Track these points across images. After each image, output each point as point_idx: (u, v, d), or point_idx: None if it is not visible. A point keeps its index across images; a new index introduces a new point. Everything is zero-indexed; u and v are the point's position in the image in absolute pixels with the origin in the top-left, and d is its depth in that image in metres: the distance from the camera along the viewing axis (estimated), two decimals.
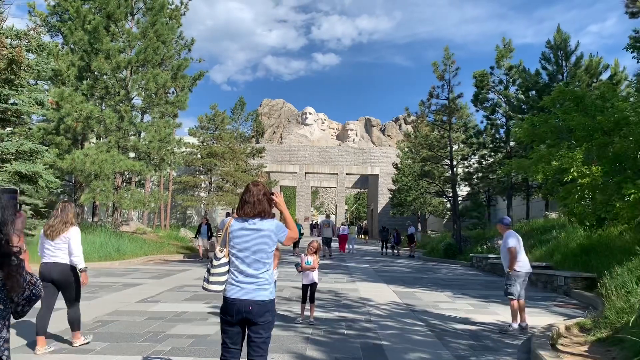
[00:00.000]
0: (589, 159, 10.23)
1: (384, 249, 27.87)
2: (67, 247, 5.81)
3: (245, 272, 3.57)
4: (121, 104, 21.68)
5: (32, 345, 5.86)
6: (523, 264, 7.95)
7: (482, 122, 25.34)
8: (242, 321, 3.55)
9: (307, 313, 7.93)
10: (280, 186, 59.34)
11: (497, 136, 24.31)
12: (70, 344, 5.98)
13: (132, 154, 23.29)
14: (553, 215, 28.74)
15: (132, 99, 22.48)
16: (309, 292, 7.89)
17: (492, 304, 10.64)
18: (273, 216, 3.75)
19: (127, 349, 5.96)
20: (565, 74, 19.78)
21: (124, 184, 32.06)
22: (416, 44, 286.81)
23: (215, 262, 3.65)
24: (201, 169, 41.88)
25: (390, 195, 44.17)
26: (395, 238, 27.98)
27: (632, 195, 9.19)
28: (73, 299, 5.90)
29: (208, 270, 3.68)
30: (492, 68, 24.59)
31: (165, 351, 5.89)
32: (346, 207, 72.00)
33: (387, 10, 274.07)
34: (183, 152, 41.09)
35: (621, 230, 13.42)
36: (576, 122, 10.91)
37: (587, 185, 9.88)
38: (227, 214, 29.10)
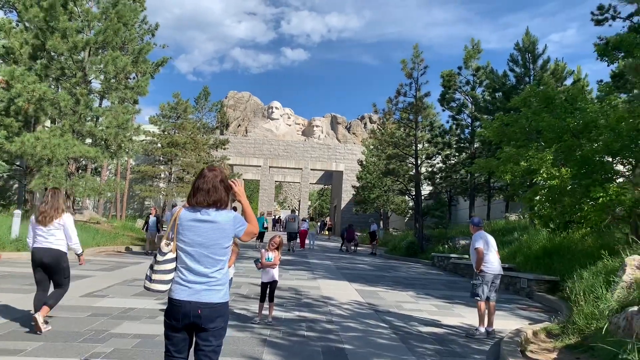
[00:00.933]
0: (557, 161, 10.07)
1: (343, 246, 27.40)
2: (59, 232, 6.01)
3: (195, 270, 3.08)
4: (78, 87, 20.58)
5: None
6: (491, 265, 7.65)
7: (447, 122, 25.33)
8: (189, 326, 3.06)
9: (265, 312, 7.45)
10: (243, 179, 58.47)
11: (462, 136, 24.31)
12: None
13: (89, 140, 22.25)
14: (513, 217, 29.06)
15: (90, 82, 21.40)
16: (268, 290, 7.41)
17: (457, 305, 10.40)
18: (234, 209, 3.23)
19: (63, 350, 5.35)
20: (532, 77, 19.83)
21: (79, 171, 30.76)
22: (384, 44, 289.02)
23: (159, 258, 3.13)
24: (161, 158, 40.67)
25: (354, 192, 44.02)
26: (347, 234, 27.16)
27: (601, 199, 9.06)
28: (61, 283, 6.14)
29: (151, 267, 3.17)
30: (459, 68, 24.58)
31: (106, 353, 5.30)
32: (309, 202, 71.63)
33: (357, 8, 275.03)
34: (143, 140, 39.84)
35: (583, 234, 13.45)
36: (546, 123, 10.77)
37: (556, 188, 9.71)
38: (173, 205, 27.98)
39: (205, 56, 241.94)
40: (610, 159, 10.18)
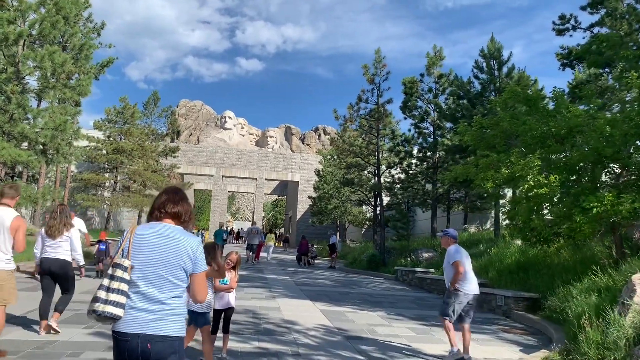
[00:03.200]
0: (544, 167, 9.16)
1: (302, 262, 25.87)
2: (66, 244, 6.59)
3: (148, 294, 2.66)
4: (9, 84, 18.54)
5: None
6: (469, 285, 6.84)
7: (409, 130, 24.54)
8: None
9: (218, 344, 6.07)
10: (194, 189, 56.24)
11: (425, 145, 23.54)
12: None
13: (26, 144, 20.17)
14: (472, 229, 28.57)
15: (23, 78, 19.34)
16: (222, 319, 6.03)
17: (435, 328, 9.28)
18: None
19: None
20: (497, 84, 19.23)
21: (13, 178, 28.21)
22: (338, 57, 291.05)
23: (118, 273, 2.64)
24: (106, 166, 38.28)
25: (311, 203, 42.82)
26: (301, 247, 25.76)
27: (595, 209, 8.15)
28: (68, 289, 6.74)
29: (105, 288, 2.63)
30: (422, 75, 23.89)
31: None
32: (263, 213, 69.89)
33: (311, 20, 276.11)
34: (87, 146, 37.37)
35: (558, 247, 12.68)
36: (528, 127, 9.87)
37: (544, 197, 8.77)
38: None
39: (157, 64, 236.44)
40: (599, 166, 9.34)
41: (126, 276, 2.64)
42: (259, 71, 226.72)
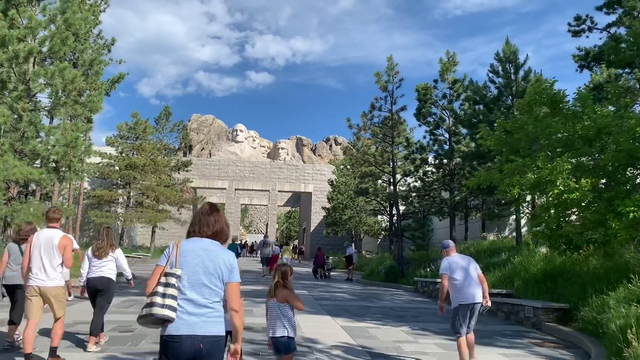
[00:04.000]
0: (577, 170, 8.68)
1: (318, 274, 25.34)
2: (111, 264, 7.22)
3: (195, 300, 3.03)
4: (20, 101, 18.44)
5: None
6: (460, 294, 6.69)
7: (424, 137, 24.08)
8: None
9: None
10: (207, 203, 56.06)
11: (441, 152, 23.06)
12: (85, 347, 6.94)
13: (38, 162, 20.04)
14: (491, 236, 27.91)
15: (34, 96, 19.24)
16: None
17: None
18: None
19: None
20: (514, 88, 18.76)
21: (27, 196, 28.16)
22: (347, 68, 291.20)
23: (171, 281, 3.00)
24: (119, 182, 38.20)
25: (325, 214, 42.38)
26: (317, 259, 25.23)
27: (632, 214, 7.65)
28: (103, 305, 7.16)
29: (162, 295, 2.97)
30: (435, 82, 23.45)
31: None
32: (277, 225, 69.58)
33: (320, 33, 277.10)
34: (99, 163, 37.37)
35: (587, 255, 12.11)
36: (554, 129, 9.40)
37: (575, 202, 8.29)
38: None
39: (168, 80, 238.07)
40: (631, 169, 8.85)
41: (177, 283, 2.99)
42: (269, 84, 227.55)
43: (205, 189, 52.20)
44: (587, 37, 23.64)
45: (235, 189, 51.96)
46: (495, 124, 16.22)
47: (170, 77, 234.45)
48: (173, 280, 2.99)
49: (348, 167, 38.11)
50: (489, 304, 6.91)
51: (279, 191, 52.82)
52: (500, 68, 19.51)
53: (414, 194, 26.27)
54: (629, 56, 15.99)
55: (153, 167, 37.38)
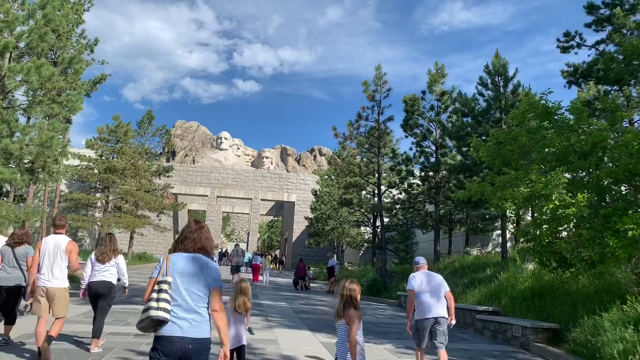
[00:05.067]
0: (573, 185, 8.30)
1: (298, 286, 24.71)
2: (113, 269, 7.37)
3: (185, 306, 3.42)
4: None
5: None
6: (421, 311, 6.91)
7: (411, 149, 23.74)
8: None
9: None
10: (188, 210, 55.15)
11: (427, 164, 22.72)
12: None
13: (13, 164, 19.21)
14: (474, 251, 27.61)
15: (9, 92, 18.47)
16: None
17: None
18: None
19: None
20: (503, 101, 18.52)
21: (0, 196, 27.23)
22: (334, 79, 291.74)
23: (164, 287, 3.40)
24: (98, 185, 37.26)
25: (307, 224, 41.80)
26: (298, 270, 24.65)
27: (631, 232, 7.28)
28: (104, 308, 7.34)
29: (156, 299, 3.36)
30: (423, 93, 23.18)
31: None
32: (259, 235, 68.66)
33: (309, 44, 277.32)
34: (78, 165, 36.39)
35: (575, 273, 11.74)
36: (549, 142, 9.05)
37: (571, 218, 7.90)
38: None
39: (154, 85, 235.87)
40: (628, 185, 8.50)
41: (169, 290, 3.38)
42: (256, 92, 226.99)
43: (187, 195, 51.30)
44: (576, 53, 23.55)
45: (217, 196, 51.17)
46: (483, 137, 15.94)
47: (156, 82, 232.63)
48: (165, 287, 3.38)
49: (332, 177, 37.69)
50: (454, 322, 7.19)
51: (261, 200, 52.16)
52: (489, 81, 19.28)
53: (398, 206, 25.88)
54: (617, 73, 15.86)
55: (133, 171, 36.54)
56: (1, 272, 7.25)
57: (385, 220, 30.77)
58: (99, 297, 7.28)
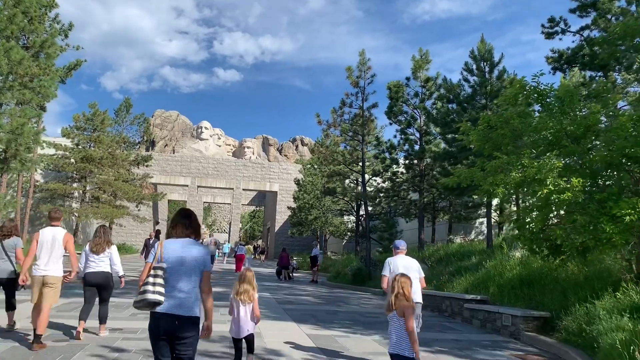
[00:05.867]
0: (568, 169, 8.02)
1: (282, 276, 24.34)
2: (107, 259, 7.74)
3: (177, 287, 3.77)
4: None
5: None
6: None
7: (395, 136, 23.43)
8: (169, 335, 3.74)
9: None
10: (168, 200, 54.30)
11: (411, 152, 22.43)
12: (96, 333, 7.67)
13: None
14: (458, 239, 27.54)
15: None
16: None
17: (442, 355, 8.01)
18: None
19: None
20: (489, 87, 18.25)
21: None
22: (316, 69, 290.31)
23: (159, 272, 3.74)
24: (74, 175, 36.29)
25: (290, 214, 41.41)
26: (281, 260, 24.26)
27: (628, 217, 7.02)
28: (107, 298, 7.81)
29: (152, 283, 3.70)
30: (407, 79, 22.81)
31: None
32: (240, 225, 68.07)
33: (290, 32, 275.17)
34: (54, 155, 35.39)
35: (563, 260, 11.53)
36: (541, 125, 8.75)
37: (566, 202, 7.62)
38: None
39: (133, 74, 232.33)
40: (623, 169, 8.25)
41: (164, 274, 3.74)
42: (237, 82, 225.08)
43: (167, 185, 50.46)
44: (561, 39, 23.47)
45: (198, 186, 50.43)
46: (470, 123, 15.63)
47: (135, 71, 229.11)
48: (160, 272, 3.73)
49: (315, 166, 37.28)
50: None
51: (243, 190, 51.57)
52: (474, 66, 19.00)
53: (382, 195, 25.60)
54: (609, 55, 15.67)
55: (111, 160, 35.69)
56: None
57: (369, 209, 30.53)
58: (98, 287, 7.63)
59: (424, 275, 7.42)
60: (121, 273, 7.95)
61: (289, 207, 42.26)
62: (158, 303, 3.65)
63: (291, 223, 40.90)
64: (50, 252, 6.91)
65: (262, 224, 69.73)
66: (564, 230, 7.95)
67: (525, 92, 9.36)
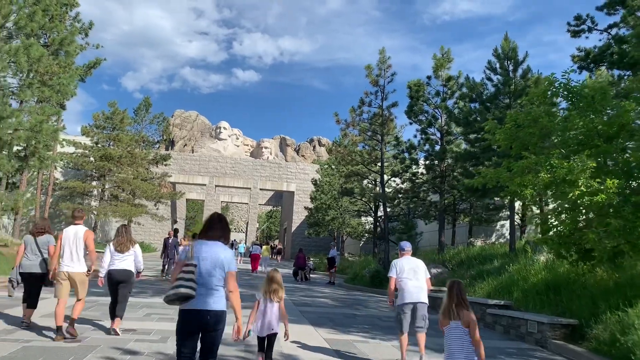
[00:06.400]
0: (602, 170, 7.59)
1: (298, 276, 24.10)
2: (130, 258, 8.04)
3: (206, 284, 4.16)
4: None
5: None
6: (401, 295, 7.25)
7: (415, 136, 23.00)
8: (200, 328, 4.14)
9: None
10: (187, 199, 54.49)
11: (432, 152, 21.99)
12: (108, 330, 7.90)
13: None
14: (478, 242, 26.97)
15: None
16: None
17: None
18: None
19: None
20: (513, 87, 17.77)
21: None
22: (334, 69, 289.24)
23: (190, 269, 4.09)
24: (93, 173, 36.50)
25: (307, 214, 41.15)
26: (298, 260, 24.08)
27: None
28: (126, 295, 8.03)
29: (184, 279, 4.02)
30: (429, 78, 22.39)
31: None
32: (257, 225, 68.09)
33: (309, 33, 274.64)
34: (73, 153, 35.64)
35: (593, 265, 11.05)
36: (571, 124, 8.32)
37: (599, 205, 7.21)
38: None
39: (154, 74, 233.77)
40: None
41: (195, 271, 4.11)
42: (255, 82, 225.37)
43: (185, 184, 50.61)
44: (587, 37, 22.83)
45: (216, 186, 50.48)
46: (496, 121, 15.17)
47: (155, 71, 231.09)
48: (191, 269, 4.07)
49: (333, 166, 36.97)
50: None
51: (260, 189, 51.48)
52: (498, 65, 18.52)
53: (400, 196, 25.19)
54: (632, 57, 15.13)
55: (130, 159, 35.81)
56: (25, 260, 7.97)
57: (387, 210, 30.12)
58: (119, 284, 7.89)
59: (429, 277, 7.49)
60: (142, 268, 8.43)
61: (306, 208, 42.02)
62: (189, 297, 3.98)
63: (308, 223, 40.64)
64: (73, 249, 7.30)
65: (279, 224, 69.63)
66: (596, 234, 7.53)
67: (553, 89, 8.94)
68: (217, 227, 4.38)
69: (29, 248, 8.03)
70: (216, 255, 4.20)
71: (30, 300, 7.97)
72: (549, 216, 8.95)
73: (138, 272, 8.40)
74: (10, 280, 8.08)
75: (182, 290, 3.96)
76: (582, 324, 9.49)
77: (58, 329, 7.04)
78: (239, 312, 4.27)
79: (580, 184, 7.38)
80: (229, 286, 4.24)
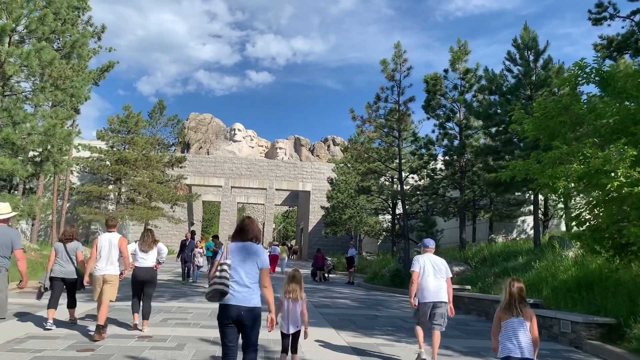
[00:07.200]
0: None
1: (317, 277, 23.74)
2: (153, 256, 8.69)
3: (240, 282, 4.50)
4: None
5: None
6: (421, 293, 7.18)
7: (433, 131, 22.51)
8: (236, 323, 4.46)
9: None
10: (203, 201, 54.44)
11: (451, 147, 21.46)
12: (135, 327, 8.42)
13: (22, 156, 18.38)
14: (499, 238, 26.34)
15: (9, 78, 17.58)
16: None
17: None
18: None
19: None
20: (534, 77, 17.18)
21: (10, 190, 26.58)
22: (347, 69, 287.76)
23: (225, 267, 4.49)
24: (109, 177, 36.52)
25: (324, 213, 40.76)
26: (316, 261, 23.73)
27: None
28: (151, 294, 8.71)
29: (219, 277, 4.43)
30: (445, 71, 21.87)
31: None
32: (274, 225, 67.88)
33: (321, 33, 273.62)
34: (89, 157, 35.70)
35: (628, 261, 10.48)
36: (605, 111, 7.82)
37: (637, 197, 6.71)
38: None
39: (168, 78, 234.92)
40: None
41: (229, 270, 4.49)
42: (269, 83, 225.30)
43: (201, 186, 50.53)
44: (609, 25, 22.05)
45: (232, 187, 50.32)
46: (522, 111, 14.63)
47: (170, 75, 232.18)
48: (226, 267, 4.46)
49: (348, 164, 36.55)
50: (453, 314, 7.39)
51: (276, 190, 51.22)
52: (517, 55, 17.93)
53: (419, 192, 24.68)
54: None
55: (145, 162, 35.74)
56: (56, 266, 8.46)
57: (406, 207, 29.58)
58: (144, 283, 8.48)
59: (450, 276, 7.34)
60: (162, 261, 9.03)
61: (322, 207, 41.64)
62: (225, 293, 4.35)
63: (325, 223, 40.25)
64: (108, 255, 7.88)
65: (295, 224, 69.36)
66: (638, 228, 7.01)
67: (584, 75, 8.43)
68: (248, 229, 4.72)
69: (59, 255, 8.53)
70: (247, 254, 4.57)
71: (70, 301, 8.74)
72: (583, 209, 8.43)
73: (158, 262, 8.93)
74: (40, 285, 8.53)
75: (218, 287, 4.35)
76: (619, 323, 8.96)
77: (98, 327, 7.48)
78: (272, 306, 4.57)
79: (619, 174, 6.88)
80: (263, 282, 4.58)
